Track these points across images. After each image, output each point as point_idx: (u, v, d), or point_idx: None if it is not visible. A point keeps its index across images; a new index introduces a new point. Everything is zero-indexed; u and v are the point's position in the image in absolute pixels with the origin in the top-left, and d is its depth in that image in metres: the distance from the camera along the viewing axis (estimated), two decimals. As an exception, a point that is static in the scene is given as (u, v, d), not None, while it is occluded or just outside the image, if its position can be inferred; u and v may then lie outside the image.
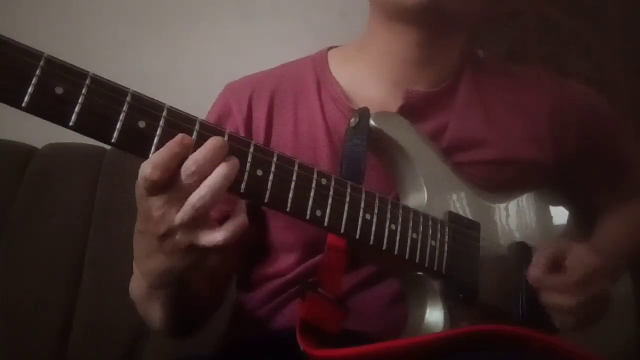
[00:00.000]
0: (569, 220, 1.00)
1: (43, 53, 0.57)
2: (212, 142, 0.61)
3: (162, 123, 0.61)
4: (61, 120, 0.57)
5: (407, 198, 0.84)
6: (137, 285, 0.78)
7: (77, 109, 0.57)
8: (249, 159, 0.65)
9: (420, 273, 0.79)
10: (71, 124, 0.57)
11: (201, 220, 0.62)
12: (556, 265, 0.82)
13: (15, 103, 0.55)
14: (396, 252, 0.75)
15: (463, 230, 0.82)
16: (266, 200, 0.66)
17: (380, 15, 0.93)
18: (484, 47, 1.34)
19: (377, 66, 0.94)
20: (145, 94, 0.62)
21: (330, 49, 1.01)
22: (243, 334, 0.92)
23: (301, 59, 1.02)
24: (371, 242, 0.73)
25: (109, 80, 0.60)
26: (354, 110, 0.88)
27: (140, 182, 0.60)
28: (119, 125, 0.59)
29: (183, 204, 0.61)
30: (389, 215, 0.75)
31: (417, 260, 0.77)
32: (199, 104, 0.92)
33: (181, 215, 0.61)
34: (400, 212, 0.76)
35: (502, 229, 0.89)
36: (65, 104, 0.57)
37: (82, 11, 1.51)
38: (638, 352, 1.01)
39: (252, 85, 0.96)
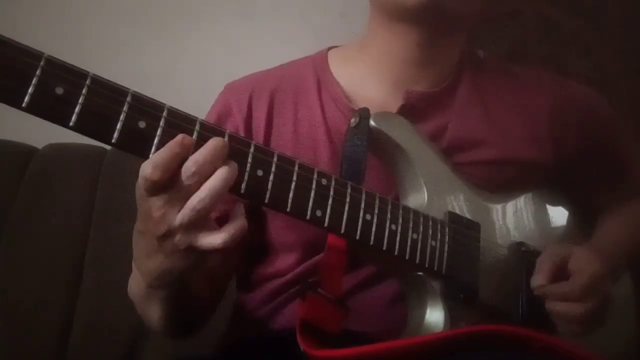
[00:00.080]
0: (568, 220, 1.00)
1: (43, 53, 0.57)
2: (212, 143, 0.61)
3: (162, 123, 0.61)
4: (61, 120, 0.57)
5: (406, 198, 0.84)
6: (136, 285, 0.78)
7: (77, 109, 0.57)
8: (249, 159, 0.65)
9: (420, 273, 0.79)
10: (71, 124, 0.57)
11: (201, 221, 0.62)
12: (559, 271, 0.82)
13: (15, 103, 0.55)
14: (396, 252, 0.75)
15: (463, 230, 0.82)
16: (266, 201, 0.66)
17: (380, 15, 0.93)
18: (484, 47, 1.34)
19: (377, 66, 0.94)
20: (145, 94, 0.62)
21: (330, 48, 1.01)
22: (243, 334, 0.92)
23: (301, 58, 1.02)
24: (371, 242, 0.73)
25: (109, 80, 0.60)
26: (354, 110, 0.88)
27: (140, 182, 0.60)
28: (119, 125, 0.59)
29: (183, 204, 0.61)
30: (389, 215, 0.75)
31: (417, 260, 0.77)
32: (199, 104, 0.92)
33: (181, 216, 0.61)
34: (400, 212, 0.76)
35: (501, 229, 0.89)
36: (65, 104, 0.57)
37: (82, 11, 1.50)
38: (638, 352, 1.01)
39: (251, 85, 0.96)
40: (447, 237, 0.80)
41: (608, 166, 1.03)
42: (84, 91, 0.58)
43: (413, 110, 0.90)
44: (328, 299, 0.75)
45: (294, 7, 1.58)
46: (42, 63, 0.56)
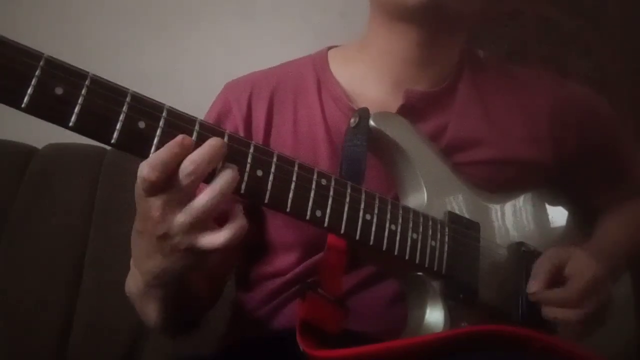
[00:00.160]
0: (568, 220, 1.00)
1: (42, 53, 0.57)
2: (210, 143, 0.61)
3: (161, 123, 0.61)
4: (61, 120, 0.57)
5: (406, 198, 0.84)
6: (134, 283, 0.78)
7: (76, 110, 0.57)
8: (249, 160, 0.65)
9: (420, 273, 0.79)
10: (71, 124, 0.57)
11: (203, 222, 0.62)
12: (556, 275, 0.82)
13: (15, 103, 0.55)
14: (396, 252, 0.75)
15: (463, 230, 0.82)
16: (266, 201, 0.66)
17: (380, 14, 0.93)
18: (484, 47, 1.34)
19: (377, 66, 0.94)
20: (145, 94, 0.62)
21: (330, 48, 1.01)
22: (243, 334, 0.92)
23: (301, 58, 1.02)
24: (371, 242, 0.73)
25: (108, 81, 0.60)
26: (353, 109, 0.88)
27: (138, 183, 0.60)
28: (118, 126, 0.59)
29: (181, 204, 0.61)
30: (388, 216, 0.75)
31: (417, 261, 0.77)
32: (199, 104, 0.92)
33: (182, 218, 0.61)
34: (400, 212, 0.76)
35: (501, 229, 0.89)
36: (65, 105, 0.57)
37: (82, 11, 1.50)
38: (638, 352, 1.01)
39: (251, 84, 0.96)
40: (447, 237, 0.80)
41: (608, 166, 1.03)
42: (83, 91, 0.58)
43: (413, 110, 0.90)
44: (328, 299, 0.75)
45: (294, 7, 1.58)
46: (41, 63, 0.56)
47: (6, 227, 1.24)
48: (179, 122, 0.62)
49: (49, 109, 0.57)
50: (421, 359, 0.68)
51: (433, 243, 0.78)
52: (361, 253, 0.80)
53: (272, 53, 1.06)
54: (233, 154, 0.64)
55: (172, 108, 0.63)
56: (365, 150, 0.81)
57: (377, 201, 0.75)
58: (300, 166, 0.69)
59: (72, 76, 0.58)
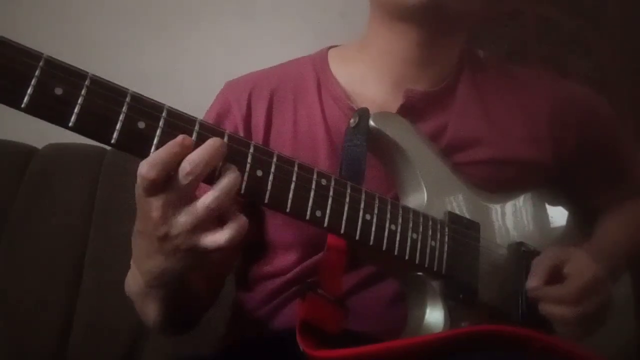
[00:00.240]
0: (568, 220, 1.00)
1: (42, 53, 0.57)
2: (210, 143, 0.61)
3: (161, 123, 0.61)
4: (60, 120, 0.57)
5: (406, 198, 0.84)
6: (134, 283, 0.78)
7: (76, 110, 0.57)
8: (249, 160, 0.65)
9: (420, 273, 0.79)
10: (70, 124, 0.57)
11: (205, 222, 0.62)
12: (555, 273, 0.82)
13: (15, 104, 0.55)
14: (396, 252, 0.75)
15: (462, 230, 0.82)
16: (266, 201, 0.66)
17: (380, 14, 0.93)
18: (484, 47, 1.34)
19: (377, 66, 0.94)
20: (145, 94, 0.62)
21: (330, 48, 1.01)
22: (243, 334, 0.92)
23: (301, 57, 1.02)
24: (371, 243, 0.73)
25: (108, 81, 0.60)
26: (353, 109, 0.88)
27: (138, 182, 0.60)
28: (118, 126, 0.59)
29: (181, 205, 0.61)
30: (388, 216, 0.75)
31: (417, 261, 0.77)
32: (199, 104, 0.92)
33: (185, 217, 0.61)
34: (400, 212, 0.76)
35: (501, 229, 0.89)
36: (65, 105, 0.57)
37: (82, 11, 1.50)
38: (638, 352, 1.01)
39: (251, 83, 0.96)
40: (446, 237, 0.80)
41: (608, 166, 1.03)
42: (83, 92, 0.58)
43: (413, 109, 0.90)
44: (328, 299, 0.75)
45: (294, 7, 1.58)
46: (41, 63, 0.56)
47: (6, 227, 1.24)
48: (179, 122, 0.62)
49: (49, 109, 0.57)
50: (421, 359, 0.68)
51: (433, 243, 0.78)
52: (361, 253, 0.80)
53: (272, 53, 1.06)
54: (233, 154, 0.64)
55: (172, 108, 0.63)
56: (365, 150, 0.81)
57: (377, 201, 0.75)
58: (300, 166, 0.69)
59: (71, 76, 0.58)
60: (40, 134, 1.26)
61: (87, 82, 0.58)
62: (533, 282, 0.82)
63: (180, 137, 0.60)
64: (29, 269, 1.23)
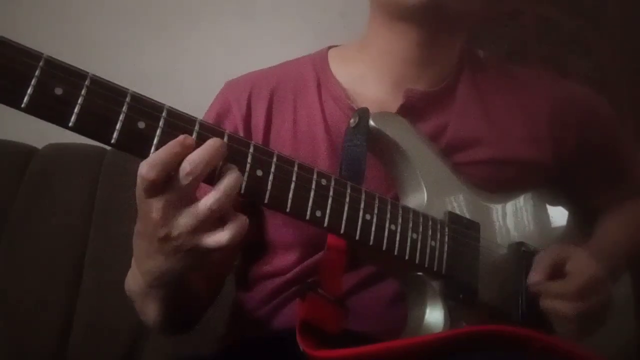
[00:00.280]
0: (568, 220, 1.00)
1: (42, 53, 0.57)
2: (209, 143, 0.61)
3: (161, 123, 0.61)
4: (60, 120, 0.57)
5: (406, 198, 0.84)
6: (134, 282, 0.78)
7: (76, 110, 0.57)
8: (249, 160, 0.65)
9: (420, 273, 0.79)
10: (70, 124, 0.57)
11: (207, 224, 0.62)
12: (556, 270, 0.82)
13: (15, 104, 0.55)
14: (396, 252, 0.75)
15: (462, 230, 0.82)
16: (266, 201, 0.66)
17: (380, 14, 0.93)
18: (484, 47, 1.34)
19: (377, 66, 0.94)
20: (145, 94, 0.62)
21: (330, 48, 1.01)
22: (243, 334, 0.92)
23: (301, 57, 1.02)
24: (371, 242, 0.73)
25: (108, 81, 0.60)
26: (353, 109, 0.88)
27: (138, 182, 0.60)
28: (118, 126, 0.59)
29: (182, 205, 0.61)
30: (388, 215, 0.75)
31: (417, 261, 0.77)
32: (199, 104, 0.92)
33: (187, 218, 0.61)
34: (400, 212, 0.76)
35: (501, 229, 0.89)
36: (65, 105, 0.57)
37: (82, 11, 1.50)
38: (638, 352, 1.01)
39: (251, 83, 0.96)
40: (446, 237, 0.80)
41: (608, 166, 1.03)
42: (83, 92, 0.58)
43: (413, 109, 0.90)
44: (328, 299, 0.75)
45: (294, 7, 1.58)
46: (41, 63, 0.56)
47: (6, 227, 1.24)
48: (179, 122, 0.62)
49: (49, 109, 0.57)
50: (421, 359, 0.68)
51: (433, 243, 0.78)
52: (361, 253, 0.80)
53: (272, 53, 1.06)
54: (233, 154, 0.64)
55: (172, 108, 0.63)
56: (365, 150, 0.81)
57: (376, 201, 0.75)
58: (300, 166, 0.69)
59: (71, 76, 0.58)
60: (40, 134, 1.26)
61: (87, 82, 0.58)
62: (534, 277, 0.82)
63: (181, 137, 0.60)
64: (29, 269, 1.23)
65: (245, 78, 0.99)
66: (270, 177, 0.66)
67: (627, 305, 1.02)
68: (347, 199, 0.72)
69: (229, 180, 0.62)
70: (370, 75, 0.94)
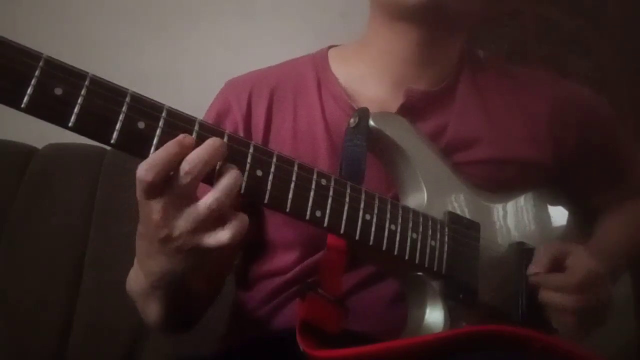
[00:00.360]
0: (568, 220, 1.00)
1: (42, 54, 0.57)
2: (208, 143, 0.61)
3: (161, 123, 0.61)
4: (60, 121, 0.57)
5: (406, 198, 0.84)
6: (136, 282, 0.78)
7: (76, 110, 0.57)
8: (249, 160, 0.65)
9: (419, 273, 0.79)
10: (70, 124, 0.57)
11: (208, 224, 0.62)
12: (557, 264, 0.82)
13: (14, 104, 0.55)
14: (396, 252, 0.75)
15: (462, 230, 0.82)
16: (266, 201, 0.66)
17: (380, 14, 0.93)
18: (484, 47, 1.34)
19: (377, 65, 0.94)
20: (145, 94, 0.62)
21: (330, 48, 1.01)
22: (243, 334, 0.92)
23: (301, 57, 1.02)
24: (371, 242, 0.73)
25: (108, 81, 0.60)
26: (353, 108, 0.88)
27: (137, 185, 0.60)
28: (118, 126, 0.59)
29: (182, 206, 0.61)
30: (388, 215, 0.75)
31: (417, 261, 0.77)
32: (199, 104, 0.92)
33: (187, 218, 0.61)
34: (400, 212, 0.76)
35: (501, 229, 0.89)
36: (64, 105, 0.57)
37: (82, 11, 1.50)
38: (638, 352, 1.01)
39: (251, 82, 0.96)
40: (446, 237, 0.80)
41: (608, 166, 1.03)
42: (83, 92, 0.58)
43: (413, 109, 0.90)
44: (328, 299, 0.75)
45: (294, 7, 1.58)
46: (41, 64, 0.56)
47: (6, 227, 1.24)
48: (179, 122, 0.62)
49: (49, 109, 0.57)
50: (421, 359, 0.68)
51: (433, 243, 0.78)
52: (361, 253, 0.80)
53: (272, 53, 1.07)
54: (233, 154, 0.64)
55: (172, 108, 0.62)
56: (365, 150, 0.81)
57: (376, 201, 0.75)
58: (300, 166, 0.69)
59: (71, 76, 0.58)
60: (40, 134, 1.26)
61: (87, 82, 0.58)
62: (535, 268, 0.82)
63: (180, 136, 0.60)
64: (29, 269, 1.23)
65: (246, 77, 0.99)
66: (270, 177, 0.66)
67: (627, 305, 1.02)
68: (347, 199, 0.72)
69: (229, 179, 0.61)
70: (370, 75, 0.95)
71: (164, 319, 0.80)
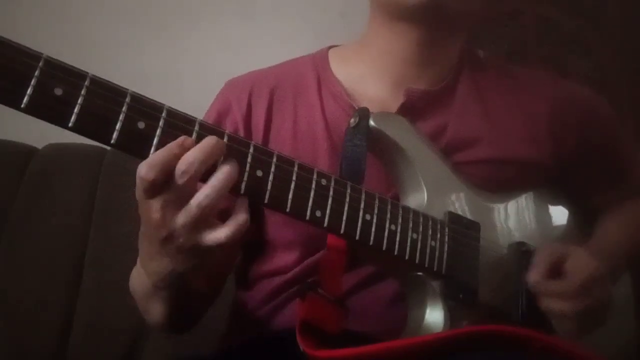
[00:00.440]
0: (568, 220, 1.00)
1: (42, 54, 0.57)
2: (205, 142, 0.61)
3: (161, 123, 0.61)
4: (60, 121, 0.57)
5: (406, 198, 0.84)
6: (139, 283, 0.78)
7: (76, 110, 0.57)
8: (249, 160, 0.65)
9: (420, 273, 0.79)
10: (70, 124, 0.57)
11: (203, 221, 0.62)
12: (556, 269, 0.82)
13: (14, 104, 0.55)
14: (396, 252, 0.75)
15: (462, 230, 0.82)
16: (266, 201, 0.66)
17: (380, 14, 0.93)
18: (484, 47, 1.34)
19: (377, 65, 0.94)
20: (145, 94, 0.62)
21: (330, 48, 1.01)
22: (243, 334, 0.92)
23: (301, 57, 1.02)
24: (371, 243, 0.73)
25: (108, 81, 0.60)
26: (354, 108, 0.88)
27: (137, 183, 0.60)
28: (118, 126, 0.59)
29: (179, 205, 0.61)
30: (388, 215, 0.75)
31: (417, 261, 0.77)
32: (199, 104, 0.92)
33: (182, 217, 0.61)
34: (400, 212, 0.76)
35: (501, 229, 0.89)
36: (64, 105, 0.57)
37: (82, 11, 1.51)
38: (638, 352, 1.01)
39: (251, 82, 0.96)
40: (446, 237, 0.80)
41: (608, 166, 1.03)
42: (83, 92, 0.58)
43: (413, 109, 0.90)
44: (328, 299, 0.75)
45: (294, 7, 1.58)
46: (40, 64, 0.56)
47: (6, 227, 1.25)
48: (179, 123, 0.62)
49: (49, 109, 0.57)
50: (421, 359, 0.68)
51: (433, 243, 0.78)
52: (361, 253, 0.80)
53: (272, 53, 1.07)
54: (233, 154, 0.64)
55: (172, 108, 0.63)
56: (365, 150, 0.81)
57: (377, 201, 0.75)
58: (300, 166, 0.69)
59: (71, 76, 0.58)
60: (40, 134, 1.26)
61: (87, 83, 0.58)
62: (534, 275, 0.82)
63: (181, 138, 0.61)
64: (29, 269, 1.23)
65: (246, 77, 0.99)
66: (270, 177, 0.66)
67: (627, 305, 1.02)
68: (347, 199, 0.72)
69: (218, 176, 0.61)
70: (370, 75, 0.95)
71: (166, 319, 0.81)
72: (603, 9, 1.57)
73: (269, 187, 0.66)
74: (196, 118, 0.64)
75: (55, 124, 0.57)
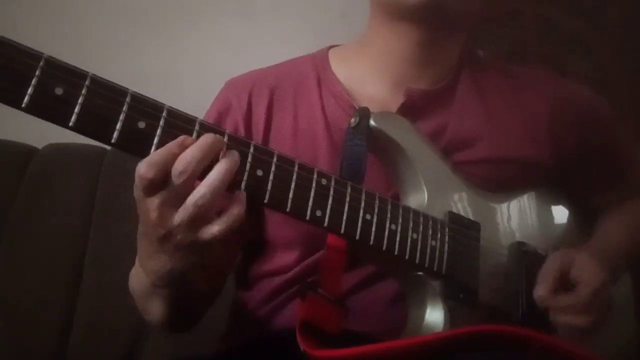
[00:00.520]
0: (568, 220, 1.00)
1: (42, 53, 0.57)
2: (202, 140, 0.61)
3: (161, 123, 0.61)
4: (61, 120, 0.57)
5: (407, 198, 0.84)
6: (138, 282, 0.78)
7: (76, 110, 0.57)
8: (249, 159, 0.65)
9: (420, 273, 0.79)
10: (71, 124, 0.57)
11: (201, 218, 0.62)
12: (562, 280, 0.82)
13: (15, 103, 0.55)
14: (396, 252, 0.75)
15: (463, 230, 0.82)
16: (266, 201, 0.66)
17: (380, 14, 0.93)
18: (484, 47, 1.34)
19: (377, 65, 0.94)
20: (145, 94, 0.62)
21: (330, 48, 1.01)
22: (243, 334, 0.92)
23: (301, 56, 1.02)
24: (371, 242, 0.73)
25: (108, 81, 0.60)
26: (354, 107, 0.88)
27: (136, 182, 0.60)
28: (118, 126, 0.59)
29: (177, 203, 0.61)
30: (388, 215, 0.75)
31: (417, 261, 0.77)
32: (199, 104, 0.92)
33: (180, 215, 0.61)
34: (400, 212, 0.76)
35: (501, 229, 0.89)
36: (65, 105, 0.57)
37: (82, 11, 1.51)
38: (638, 352, 1.01)
39: (251, 82, 0.96)
40: (447, 237, 0.80)
41: (608, 166, 1.03)
42: (83, 91, 0.58)
43: (413, 108, 0.90)
44: (328, 299, 0.75)
45: (294, 7, 1.58)
46: (41, 63, 0.56)
47: (6, 227, 1.25)
48: (179, 122, 0.62)
49: (49, 109, 0.57)
50: (421, 359, 0.68)
51: (433, 243, 0.78)
52: (361, 253, 0.80)
53: (272, 53, 1.07)
54: (233, 153, 0.64)
55: (172, 108, 0.63)
56: (366, 150, 0.81)
57: (377, 201, 0.75)
58: (300, 166, 0.69)
59: (72, 76, 0.58)
60: (40, 134, 1.26)
61: (87, 82, 0.58)
62: (541, 290, 0.81)
63: (181, 138, 0.61)
64: (29, 269, 1.23)
65: (246, 77, 0.99)
66: (271, 177, 0.66)
67: (627, 305, 1.02)
68: (348, 199, 0.72)
69: (214, 175, 0.61)
70: (370, 75, 0.95)
71: (166, 318, 0.81)
72: (603, 9, 1.57)
73: (269, 187, 0.66)
74: (196, 118, 0.64)
75: (56, 124, 0.58)
